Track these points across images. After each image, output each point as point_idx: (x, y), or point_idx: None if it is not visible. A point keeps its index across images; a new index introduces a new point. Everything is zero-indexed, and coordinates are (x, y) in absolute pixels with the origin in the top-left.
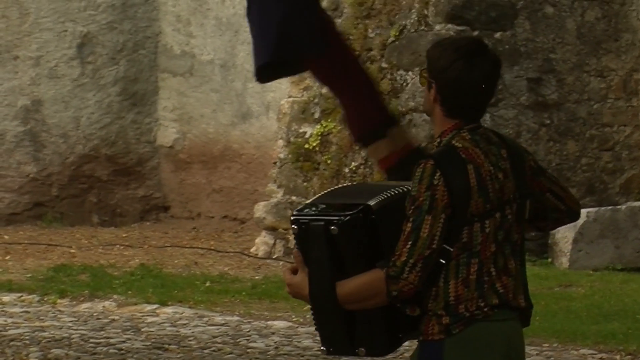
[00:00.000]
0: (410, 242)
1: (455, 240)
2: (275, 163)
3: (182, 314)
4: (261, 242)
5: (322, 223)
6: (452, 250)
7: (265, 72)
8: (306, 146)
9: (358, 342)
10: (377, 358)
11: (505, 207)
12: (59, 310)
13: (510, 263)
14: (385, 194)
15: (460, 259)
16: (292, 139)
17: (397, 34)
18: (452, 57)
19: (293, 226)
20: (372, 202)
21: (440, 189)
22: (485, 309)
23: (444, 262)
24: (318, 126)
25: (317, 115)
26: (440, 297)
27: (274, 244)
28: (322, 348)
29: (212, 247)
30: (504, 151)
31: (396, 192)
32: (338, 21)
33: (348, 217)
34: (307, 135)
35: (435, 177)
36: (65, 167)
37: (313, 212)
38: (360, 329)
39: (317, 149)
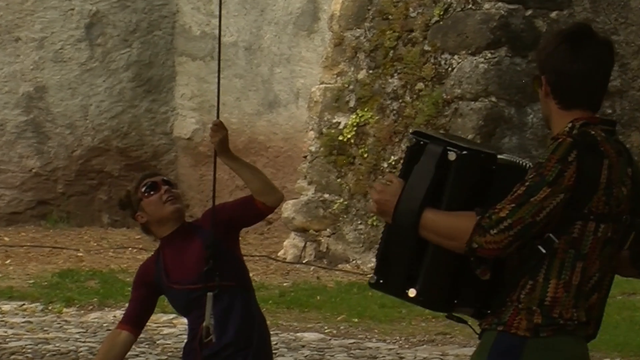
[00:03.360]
0: (516, 203)
1: (564, 232)
2: (305, 157)
3: None
4: (290, 245)
5: (442, 146)
6: (557, 241)
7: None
8: (340, 138)
9: (413, 281)
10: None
11: (618, 223)
12: (65, 321)
13: (604, 281)
14: (516, 159)
15: (566, 259)
16: (324, 130)
17: (441, 13)
18: (556, 41)
19: (411, 137)
20: (500, 155)
21: (571, 168)
22: (576, 322)
23: (544, 251)
24: (353, 116)
25: (352, 104)
26: (537, 293)
27: (304, 247)
28: (372, 278)
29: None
30: (630, 170)
31: (525, 164)
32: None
33: (471, 152)
34: (341, 126)
35: (570, 155)
36: (72, 161)
37: (436, 135)
38: (422, 270)
39: (352, 141)
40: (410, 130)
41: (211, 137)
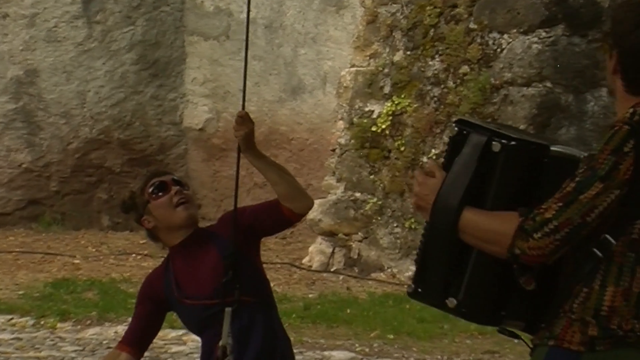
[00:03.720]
0: (563, 202)
1: (622, 232)
2: (334, 150)
3: None
4: (316, 251)
5: (487, 136)
6: (615, 243)
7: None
8: (373, 129)
9: (453, 290)
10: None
11: None
12: (60, 337)
13: None
14: (573, 151)
15: (625, 263)
16: (355, 120)
17: None
18: (637, 20)
19: (454, 126)
20: (553, 147)
21: (628, 160)
22: (638, 334)
23: (600, 254)
24: (388, 103)
25: (387, 90)
26: (592, 302)
27: (333, 252)
28: (409, 286)
29: None
30: None
31: (580, 156)
32: None
33: (519, 143)
34: (374, 115)
35: (626, 145)
36: (67, 155)
37: (483, 124)
38: (463, 277)
39: (386, 132)
40: (454, 119)
41: (235, 131)
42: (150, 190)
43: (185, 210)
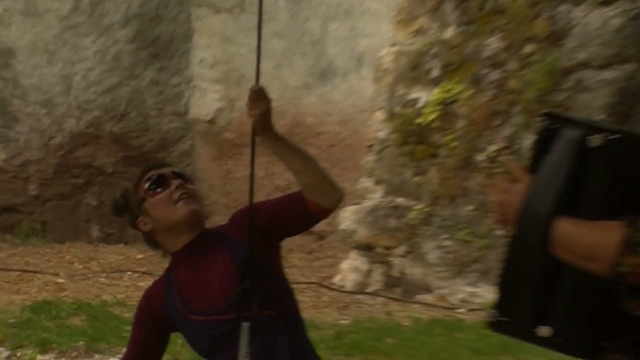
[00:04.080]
0: None
1: None
2: (371, 147)
3: None
4: (350, 268)
5: (581, 130)
6: None
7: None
8: (419, 121)
9: (545, 317)
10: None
11: None
12: None
13: None
14: None
15: None
16: (397, 110)
17: None
18: None
19: (542, 122)
20: None
21: None
22: None
23: None
24: (437, 90)
25: (435, 73)
26: None
27: (370, 270)
28: (491, 315)
29: None
30: None
31: None
32: None
33: (623, 135)
34: (420, 104)
35: None
36: (49, 152)
37: (576, 118)
38: (558, 301)
39: (435, 124)
40: (542, 113)
41: (249, 110)
42: (147, 185)
43: (187, 205)
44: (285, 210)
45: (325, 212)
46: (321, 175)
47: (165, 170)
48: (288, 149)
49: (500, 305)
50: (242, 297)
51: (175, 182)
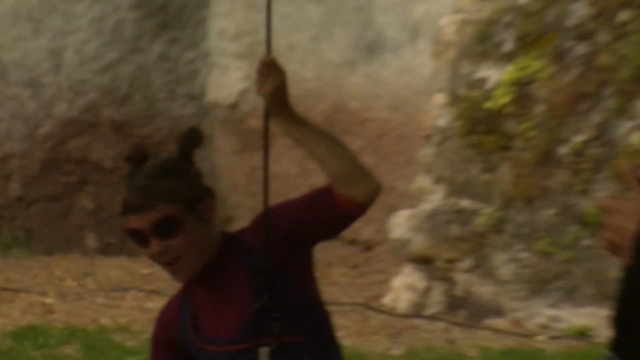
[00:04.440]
0: None
1: None
2: (429, 137)
3: None
4: (403, 286)
5: None
6: None
7: None
8: (488, 105)
9: None
10: None
11: None
12: None
13: None
14: None
15: None
16: (461, 92)
17: None
18: None
19: None
20: None
21: None
22: None
23: None
24: (510, 67)
25: (508, 47)
26: None
27: (428, 288)
28: (607, 356)
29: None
30: None
31: None
32: None
33: None
34: (489, 85)
35: None
36: (35, 143)
37: None
38: None
39: (508, 109)
40: None
41: (259, 87)
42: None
43: (174, 276)
44: (312, 208)
45: (359, 207)
46: (351, 162)
47: (142, 224)
48: (309, 131)
49: (617, 347)
50: (259, 317)
51: (155, 245)
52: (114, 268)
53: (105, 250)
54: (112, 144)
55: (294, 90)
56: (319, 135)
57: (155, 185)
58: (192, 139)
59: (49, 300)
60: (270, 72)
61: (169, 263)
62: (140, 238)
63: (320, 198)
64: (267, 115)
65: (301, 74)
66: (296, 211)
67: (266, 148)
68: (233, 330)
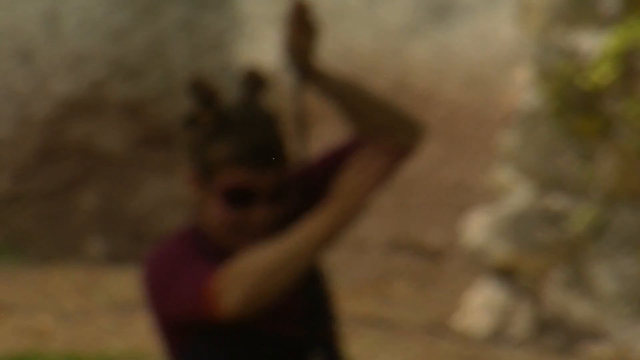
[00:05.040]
0: None
1: None
2: (511, 120)
3: None
4: (480, 304)
5: None
6: None
7: None
8: (586, 81)
9: None
10: None
11: None
12: None
13: None
14: None
15: None
16: (552, 65)
17: None
18: None
19: None
20: None
21: None
22: None
23: None
24: (612, 36)
25: (610, 10)
26: None
27: (512, 307)
28: None
29: (367, 313)
30: None
31: None
32: None
33: None
34: (587, 56)
35: None
36: (28, 129)
37: None
38: None
39: (612, 87)
40: None
41: (290, 39)
42: (224, 194)
43: (239, 248)
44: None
45: (405, 151)
46: (394, 111)
47: (263, 183)
48: (342, 86)
49: None
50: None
51: (261, 209)
52: (122, 279)
53: (113, 257)
54: (121, 129)
55: (345, 65)
56: (356, 88)
57: (282, 139)
58: (257, 82)
59: (44, 320)
60: (301, 17)
61: (254, 234)
62: (244, 198)
63: (355, 149)
64: (299, 71)
65: (353, 45)
66: (333, 163)
67: (299, 119)
68: (291, 312)
